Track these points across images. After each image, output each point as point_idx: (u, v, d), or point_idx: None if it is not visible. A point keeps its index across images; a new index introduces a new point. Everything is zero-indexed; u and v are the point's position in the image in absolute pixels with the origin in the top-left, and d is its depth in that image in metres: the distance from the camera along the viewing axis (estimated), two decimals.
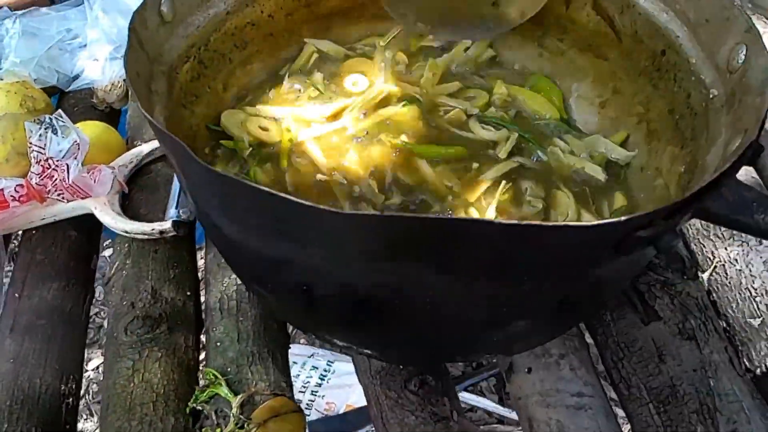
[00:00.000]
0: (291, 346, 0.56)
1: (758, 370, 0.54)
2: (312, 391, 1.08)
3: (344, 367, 1.11)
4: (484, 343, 0.50)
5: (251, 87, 0.62)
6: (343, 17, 0.65)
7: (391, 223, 0.33)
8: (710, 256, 0.60)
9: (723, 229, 0.61)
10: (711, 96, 0.47)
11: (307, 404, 1.05)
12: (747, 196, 0.35)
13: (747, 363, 0.55)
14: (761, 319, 0.55)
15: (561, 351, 0.53)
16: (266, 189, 0.32)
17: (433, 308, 0.41)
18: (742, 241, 0.59)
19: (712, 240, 0.60)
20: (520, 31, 0.64)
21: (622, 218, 0.31)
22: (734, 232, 0.59)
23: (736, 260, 0.58)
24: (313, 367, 1.13)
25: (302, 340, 1.24)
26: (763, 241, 0.59)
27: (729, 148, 0.41)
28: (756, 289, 0.56)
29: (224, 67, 0.59)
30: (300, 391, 1.05)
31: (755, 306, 0.56)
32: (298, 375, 1.07)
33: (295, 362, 1.08)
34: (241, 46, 0.60)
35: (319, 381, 1.10)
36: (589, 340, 0.55)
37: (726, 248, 0.59)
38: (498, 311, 0.43)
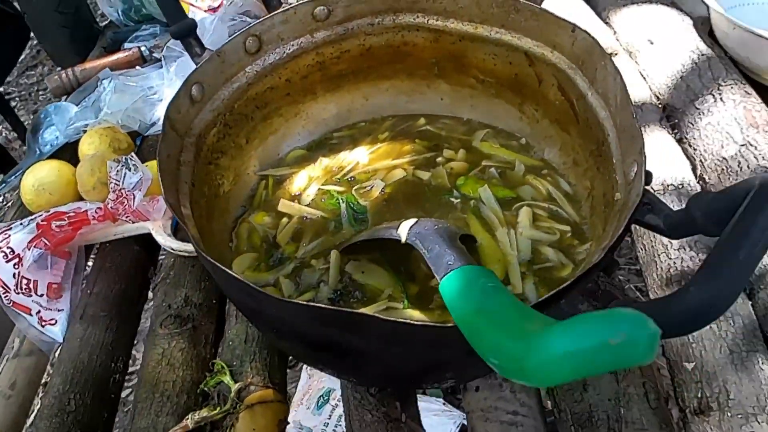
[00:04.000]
0: None
1: (687, 411, 0.60)
2: None
3: None
4: (433, 378, 0.58)
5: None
6: (353, 77, 0.72)
7: (320, 313, 0.42)
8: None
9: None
10: (616, 198, 0.52)
11: None
12: (579, 309, 0.42)
13: (681, 403, 0.61)
14: (693, 363, 0.62)
15: None
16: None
17: (377, 357, 0.49)
18: None
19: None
20: (505, 97, 0.72)
21: None
22: (673, 279, 0.66)
23: None
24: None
25: None
26: None
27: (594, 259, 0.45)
28: (693, 337, 0.63)
29: (247, 124, 0.65)
30: None
31: (690, 351, 0.62)
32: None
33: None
34: (262, 107, 0.67)
35: None
36: None
37: None
38: (428, 365, 0.51)
